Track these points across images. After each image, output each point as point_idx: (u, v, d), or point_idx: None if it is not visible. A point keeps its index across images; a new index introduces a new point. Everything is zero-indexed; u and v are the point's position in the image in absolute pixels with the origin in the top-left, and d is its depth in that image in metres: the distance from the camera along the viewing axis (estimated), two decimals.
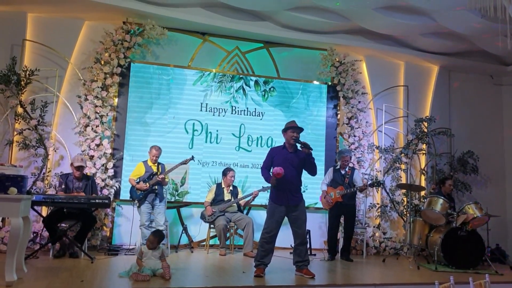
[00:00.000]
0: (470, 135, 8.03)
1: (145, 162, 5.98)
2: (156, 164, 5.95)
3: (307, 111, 7.30)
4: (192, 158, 6.00)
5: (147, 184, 5.78)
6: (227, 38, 7.10)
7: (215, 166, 6.82)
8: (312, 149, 4.61)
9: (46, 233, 5.50)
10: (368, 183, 6.52)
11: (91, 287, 3.79)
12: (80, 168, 5.47)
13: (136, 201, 5.84)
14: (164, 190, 6.05)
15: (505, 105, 8.44)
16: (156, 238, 4.46)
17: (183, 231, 6.33)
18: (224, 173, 6.38)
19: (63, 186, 5.45)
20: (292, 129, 4.70)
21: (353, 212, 6.23)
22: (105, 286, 3.95)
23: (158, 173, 5.84)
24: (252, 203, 6.55)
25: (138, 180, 5.85)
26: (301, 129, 4.75)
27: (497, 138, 8.31)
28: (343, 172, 6.21)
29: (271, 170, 4.69)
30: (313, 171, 4.77)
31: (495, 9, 4.84)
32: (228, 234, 6.26)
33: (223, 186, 6.36)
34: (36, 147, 5.96)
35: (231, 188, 6.38)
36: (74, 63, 6.39)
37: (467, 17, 6.35)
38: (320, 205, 6.68)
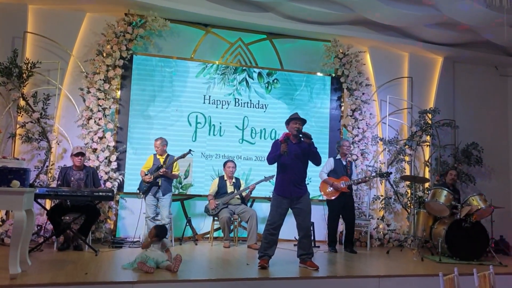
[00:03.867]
0: (475, 126, 7.98)
1: (155, 155, 6.00)
2: (164, 157, 5.95)
3: (310, 103, 7.26)
4: (190, 151, 5.87)
5: (151, 176, 5.79)
6: (230, 30, 7.05)
7: (218, 159, 6.80)
8: (312, 139, 4.58)
9: (50, 226, 5.53)
10: (372, 175, 6.53)
11: (95, 280, 3.79)
12: (80, 155, 5.45)
13: (141, 193, 5.87)
14: (170, 183, 6.00)
15: (510, 96, 8.38)
16: (156, 232, 4.46)
17: (187, 224, 6.33)
18: (223, 165, 6.41)
19: (59, 183, 5.45)
20: (295, 120, 4.67)
21: (353, 203, 6.28)
22: (109, 278, 3.95)
23: (163, 166, 5.83)
24: (256, 195, 6.57)
25: (147, 172, 5.87)
26: (304, 120, 4.72)
27: (501, 129, 8.26)
28: (344, 162, 6.20)
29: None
30: (317, 161, 4.75)
31: None
32: (232, 227, 6.26)
33: (225, 178, 6.36)
34: (39, 140, 5.96)
35: (233, 180, 6.37)
36: (76, 56, 6.37)
37: (472, 7, 6.27)
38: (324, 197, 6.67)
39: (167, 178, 5.90)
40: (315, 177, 6.77)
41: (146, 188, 5.81)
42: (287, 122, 4.76)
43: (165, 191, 5.87)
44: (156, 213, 5.87)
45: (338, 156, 6.26)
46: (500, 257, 5.78)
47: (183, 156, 5.87)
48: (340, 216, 6.23)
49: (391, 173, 6.63)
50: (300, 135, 4.63)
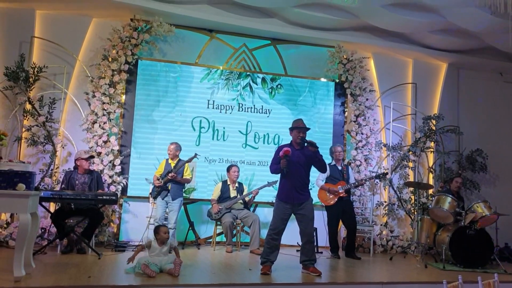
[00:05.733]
0: (479, 133, 7.95)
1: (167, 160, 6.05)
2: (175, 161, 5.97)
3: (314, 108, 7.27)
4: (196, 155, 5.90)
5: (161, 181, 5.82)
6: (234, 35, 7.09)
7: (221, 163, 6.82)
8: (318, 147, 4.59)
9: (54, 229, 5.55)
10: (373, 175, 6.55)
11: (98, 283, 3.81)
12: (90, 159, 5.59)
13: (152, 197, 5.93)
14: (181, 188, 6.00)
15: None
16: (159, 229, 4.53)
17: (190, 228, 6.34)
18: (228, 170, 6.42)
19: (63, 186, 5.49)
20: (298, 129, 4.69)
21: (353, 208, 6.29)
22: (112, 282, 3.96)
23: (172, 171, 5.84)
24: (259, 200, 6.57)
25: (159, 177, 5.91)
26: (307, 129, 4.73)
27: (506, 136, 8.21)
28: (339, 167, 6.21)
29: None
30: (322, 168, 4.78)
31: (505, 6, 4.79)
32: (234, 231, 6.26)
33: (228, 183, 6.37)
34: (44, 144, 6.00)
35: (236, 185, 6.38)
36: (82, 60, 6.42)
37: (476, 14, 6.27)
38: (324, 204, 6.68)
39: (177, 183, 5.90)
40: None
41: (156, 193, 5.85)
42: (291, 130, 4.77)
43: (174, 196, 5.86)
44: (165, 217, 5.89)
45: (333, 162, 6.26)
46: (505, 265, 5.74)
47: (190, 160, 5.89)
48: (341, 222, 6.22)
49: (387, 173, 6.61)
50: (305, 144, 4.64)
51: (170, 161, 6.03)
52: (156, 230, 4.56)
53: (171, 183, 5.86)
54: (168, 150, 6.04)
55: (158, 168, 6.12)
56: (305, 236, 4.67)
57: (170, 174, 5.79)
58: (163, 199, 5.86)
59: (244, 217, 6.17)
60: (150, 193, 6.06)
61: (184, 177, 5.97)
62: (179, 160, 6.01)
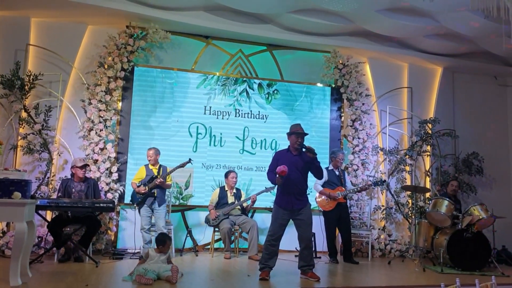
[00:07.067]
0: (475, 136, 8.01)
1: (146, 166, 5.97)
2: (157, 167, 5.94)
3: (310, 113, 7.29)
4: (190, 161, 5.86)
5: (146, 187, 5.77)
6: (230, 41, 7.11)
7: (219, 169, 6.81)
8: (316, 154, 4.60)
9: (50, 238, 5.52)
10: (372, 182, 6.55)
11: None
12: (85, 167, 5.50)
13: (135, 205, 5.84)
14: (166, 194, 5.98)
15: (509, 106, 8.42)
16: (166, 242, 4.51)
17: (188, 235, 6.32)
18: (226, 176, 6.39)
19: (59, 194, 5.45)
20: (296, 134, 4.69)
21: (348, 214, 6.32)
22: None
23: (159, 176, 5.82)
24: (257, 206, 6.56)
25: (139, 184, 5.83)
26: (305, 134, 4.73)
27: (502, 139, 8.28)
28: (337, 172, 6.22)
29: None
30: (319, 175, 4.79)
31: (498, 10, 4.82)
32: (232, 238, 6.25)
33: (226, 189, 6.36)
34: (40, 152, 5.97)
35: (234, 191, 6.37)
36: (78, 68, 6.41)
37: (470, 18, 6.33)
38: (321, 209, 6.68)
39: (162, 189, 5.86)
40: None
41: (140, 200, 5.77)
42: (289, 134, 4.77)
43: (160, 202, 5.81)
44: (151, 224, 5.83)
45: (331, 167, 6.27)
46: (502, 268, 5.76)
47: (183, 165, 5.83)
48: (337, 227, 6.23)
49: (385, 181, 6.63)
50: (304, 150, 4.64)
51: (151, 166, 5.94)
52: (163, 240, 4.52)
53: (157, 189, 5.81)
54: (147, 156, 5.94)
55: (136, 175, 5.98)
56: (303, 241, 4.66)
57: (158, 180, 5.72)
58: (149, 206, 5.78)
59: (242, 223, 6.15)
60: (131, 201, 5.94)
61: (166, 182, 5.92)
62: (161, 165, 5.97)
